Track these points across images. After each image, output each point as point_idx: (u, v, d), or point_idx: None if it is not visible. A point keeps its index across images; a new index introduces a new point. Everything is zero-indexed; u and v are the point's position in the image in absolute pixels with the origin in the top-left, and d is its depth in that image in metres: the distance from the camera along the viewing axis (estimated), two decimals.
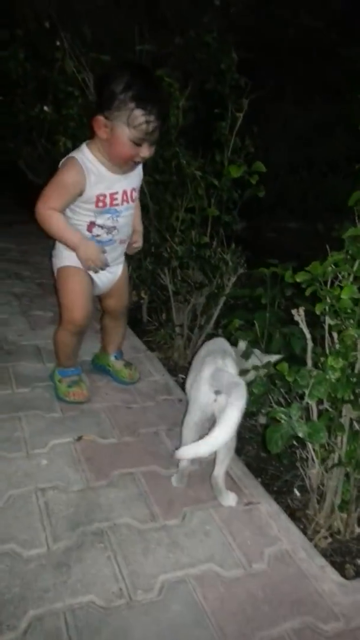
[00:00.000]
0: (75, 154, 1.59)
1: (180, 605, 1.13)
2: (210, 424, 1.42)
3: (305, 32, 4.93)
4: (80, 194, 1.59)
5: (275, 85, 4.59)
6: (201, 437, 1.32)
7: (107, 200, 1.63)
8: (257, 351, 1.71)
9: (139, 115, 1.46)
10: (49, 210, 1.57)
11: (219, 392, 1.38)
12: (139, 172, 1.75)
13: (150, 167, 2.66)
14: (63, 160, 1.61)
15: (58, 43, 2.78)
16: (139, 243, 1.95)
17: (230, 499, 1.46)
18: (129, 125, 1.47)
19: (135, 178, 1.73)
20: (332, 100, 4.93)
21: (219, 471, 1.45)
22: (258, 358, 1.66)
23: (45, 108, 3.14)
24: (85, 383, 1.92)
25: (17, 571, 1.18)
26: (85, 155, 1.57)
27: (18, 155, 3.80)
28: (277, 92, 4.74)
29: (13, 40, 3.38)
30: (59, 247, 1.74)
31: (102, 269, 1.71)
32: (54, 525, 1.31)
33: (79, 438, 1.65)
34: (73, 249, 1.63)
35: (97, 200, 1.62)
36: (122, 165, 1.60)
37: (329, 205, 4.56)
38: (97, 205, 1.63)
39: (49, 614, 1.09)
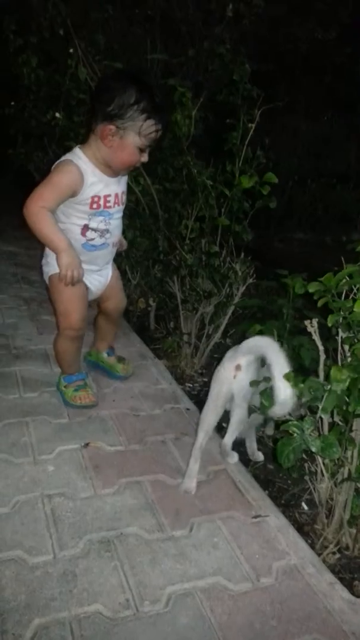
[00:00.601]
0: (70, 156, 1.62)
1: (187, 618, 1.12)
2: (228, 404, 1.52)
3: (317, 46, 4.97)
4: (73, 196, 1.59)
5: (287, 97, 4.62)
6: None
7: (101, 202, 1.65)
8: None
9: (151, 125, 1.55)
10: (41, 208, 1.53)
11: (239, 368, 1.44)
12: (126, 176, 1.82)
13: (160, 176, 2.67)
14: (58, 162, 1.63)
15: (71, 50, 2.80)
16: (124, 245, 2.07)
17: (233, 457, 1.59)
18: (140, 135, 1.55)
19: (124, 182, 1.79)
20: (343, 114, 4.96)
21: (228, 439, 1.52)
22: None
23: (57, 114, 3.15)
24: (92, 387, 1.92)
25: (23, 579, 1.16)
26: (81, 158, 1.60)
27: (29, 160, 3.82)
28: (288, 105, 4.77)
29: (26, 47, 3.41)
30: (50, 253, 1.69)
31: (77, 281, 1.63)
32: (60, 533, 1.30)
33: (86, 445, 1.64)
34: (57, 252, 1.57)
35: (92, 201, 1.63)
36: (122, 170, 1.67)
37: (337, 217, 4.58)
38: (91, 207, 1.64)
39: (54, 623, 1.07)
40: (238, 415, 1.51)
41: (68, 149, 2.76)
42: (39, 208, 1.53)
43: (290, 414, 1.49)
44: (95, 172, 1.62)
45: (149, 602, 1.14)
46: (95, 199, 1.64)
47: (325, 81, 4.95)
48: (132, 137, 1.55)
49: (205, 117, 2.79)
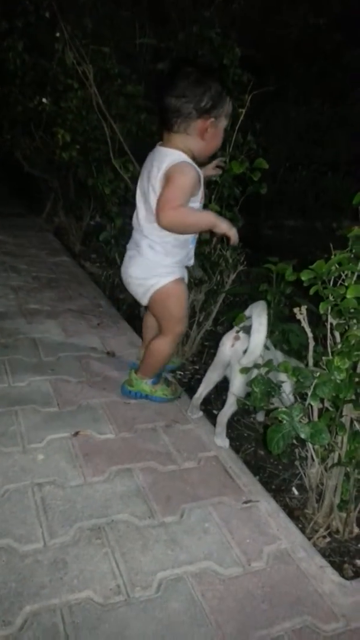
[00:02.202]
0: (182, 158, 1.59)
1: (178, 603, 1.12)
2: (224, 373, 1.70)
3: (308, 32, 4.92)
4: (194, 195, 1.63)
5: (277, 83, 4.58)
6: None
7: (202, 195, 1.70)
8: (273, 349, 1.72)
9: (230, 104, 1.65)
10: (178, 208, 1.57)
11: (237, 338, 1.62)
12: None
13: None
14: (173, 164, 1.58)
15: (58, 34, 2.75)
16: None
17: (220, 441, 1.67)
18: (227, 116, 1.65)
19: None
20: (334, 101, 4.92)
21: (226, 411, 1.66)
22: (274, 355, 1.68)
23: (44, 100, 3.11)
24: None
25: (13, 567, 1.16)
26: (188, 158, 1.61)
27: (15, 146, 3.77)
28: (279, 91, 4.73)
29: (12, 31, 3.34)
30: (162, 262, 1.71)
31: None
32: (51, 521, 1.29)
33: (76, 433, 1.63)
34: (213, 224, 1.63)
35: (202, 196, 1.69)
36: (205, 159, 1.72)
37: (327, 204, 4.57)
38: (200, 201, 1.69)
39: (45, 610, 1.07)
40: (234, 386, 1.63)
41: (55, 135, 2.73)
42: (176, 209, 1.56)
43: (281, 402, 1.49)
44: (197, 168, 1.64)
45: (140, 587, 1.15)
46: (201, 194, 1.69)
47: (316, 68, 4.91)
48: (223, 121, 1.64)
49: None
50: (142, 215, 1.69)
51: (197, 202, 1.66)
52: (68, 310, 2.58)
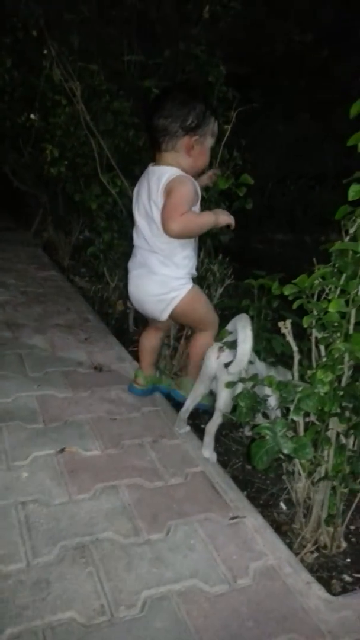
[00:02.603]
0: (178, 172, 1.69)
1: (163, 622, 1.11)
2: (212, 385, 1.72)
3: (295, 48, 5.01)
4: (194, 206, 1.74)
5: (265, 99, 4.65)
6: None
7: (199, 205, 1.79)
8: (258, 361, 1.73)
9: (216, 124, 1.75)
10: (183, 216, 1.65)
11: (222, 350, 1.64)
12: None
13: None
14: (170, 179, 1.67)
15: (45, 51, 2.78)
16: None
17: (207, 452, 1.68)
18: (212, 135, 1.75)
19: None
20: (320, 116, 5.00)
21: (214, 420, 1.67)
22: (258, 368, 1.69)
23: (32, 116, 3.13)
24: None
25: None
26: (183, 172, 1.70)
27: (4, 161, 3.78)
28: (266, 107, 4.79)
29: (0, 48, 3.38)
30: (175, 275, 1.78)
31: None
32: (34, 540, 1.27)
33: (62, 450, 1.62)
34: (216, 222, 1.74)
35: (200, 206, 1.79)
36: (195, 175, 1.78)
37: (316, 218, 4.61)
38: (200, 210, 1.79)
39: (27, 632, 1.05)
40: (221, 398, 1.64)
41: (44, 151, 2.74)
42: (180, 220, 1.64)
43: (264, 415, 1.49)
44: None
45: (124, 607, 1.13)
46: (199, 204, 1.78)
47: (303, 83, 4.99)
48: (209, 140, 1.74)
49: None
50: (148, 234, 1.77)
51: (197, 211, 1.77)
52: (56, 325, 2.57)
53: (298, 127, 5.11)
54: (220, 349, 1.66)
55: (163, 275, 1.78)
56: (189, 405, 1.78)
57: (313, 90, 4.97)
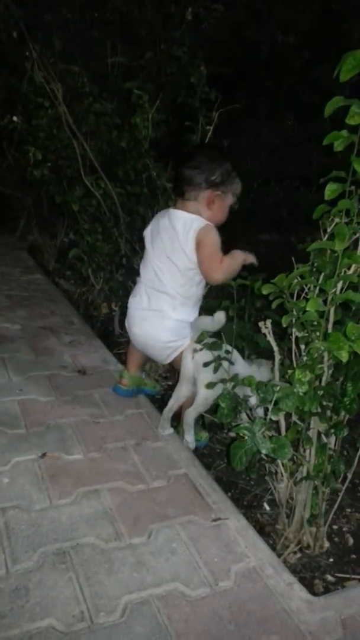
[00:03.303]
0: (203, 221, 1.77)
1: (143, 627, 1.09)
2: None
3: (278, 50, 5.03)
4: None
5: (248, 101, 4.66)
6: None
7: None
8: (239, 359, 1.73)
9: (239, 185, 1.85)
10: (222, 263, 1.75)
11: (196, 351, 1.66)
12: None
13: (122, 179, 2.66)
14: (200, 228, 1.75)
15: (27, 53, 2.76)
16: None
17: (191, 443, 1.72)
18: (234, 194, 1.84)
19: None
20: (304, 117, 5.02)
21: (190, 412, 1.69)
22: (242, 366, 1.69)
23: (15, 118, 3.10)
24: None
25: None
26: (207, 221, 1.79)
27: None
28: (249, 108, 4.81)
29: None
30: (187, 320, 1.82)
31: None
32: (14, 547, 1.26)
33: (43, 455, 1.60)
34: (245, 260, 1.82)
35: None
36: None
37: (301, 218, 4.63)
38: None
39: None
40: (200, 395, 1.66)
41: (27, 154, 2.72)
42: (222, 268, 1.75)
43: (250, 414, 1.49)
44: None
45: (104, 613, 1.12)
46: None
47: (286, 85, 5.02)
48: (229, 198, 1.83)
49: (166, 120, 2.78)
50: (167, 277, 1.81)
51: None
52: (39, 329, 2.55)
53: (282, 128, 5.13)
54: (194, 350, 1.67)
55: (175, 320, 1.81)
56: (172, 405, 1.77)
57: (296, 92, 5.00)
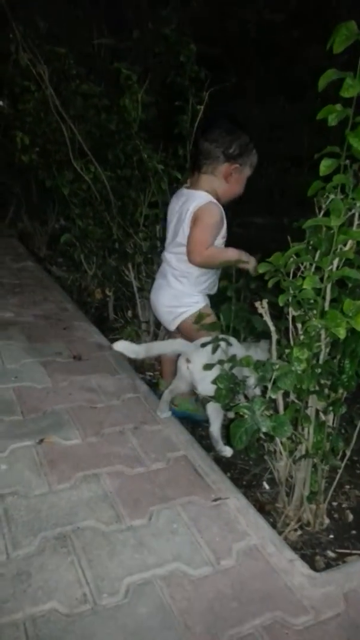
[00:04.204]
0: (208, 198, 1.78)
1: (147, 608, 1.10)
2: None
3: (267, 29, 4.95)
4: (220, 230, 1.82)
5: (237, 81, 4.59)
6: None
7: (225, 230, 1.87)
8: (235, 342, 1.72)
9: (256, 157, 1.86)
10: (207, 250, 1.77)
11: (189, 361, 1.67)
12: None
13: (112, 162, 2.61)
14: (199, 206, 1.77)
15: (11, 35, 2.69)
16: None
17: (226, 451, 1.72)
18: (251, 166, 1.85)
19: None
20: (294, 97, 4.96)
21: (213, 428, 1.69)
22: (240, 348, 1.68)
23: (1, 103, 3.05)
24: None
25: None
26: (213, 199, 1.80)
27: None
28: (239, 89, 4.74)
29: None
30: (188, 292, 1.87)
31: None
32: (14, 532, 1.25)
33: (41, 441, 1.59)
34: (238, 261, 1.80)
35: (225, 232, 1.86)
36: (228, 201, 1.87)
37: (293, 200, 4.60)
38: (223, 237, 1.87)
39: (8, 625, 1.03)
40: (209, 410, 1.67)
41: (14, 138, 2.67)
42: (204, 254, 1.77)
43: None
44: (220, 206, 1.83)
45: (107, 594, 1.12)
46: (225, 230, 1.86)
47: (275, 65, 4.95)
48: (247, 170, 1.85)
49: (156, 102, 2.74)
50: (172, 253, 1.88)
51: (221, 237, 1.85)
52: (33, 316, 2.53)
53: (272, 109, 5.07)
54: (187, 361, 1.68)
55: (177, 290, 1.88)
56: (171, 388, 1.77)
57: (285, 72, 4.93)
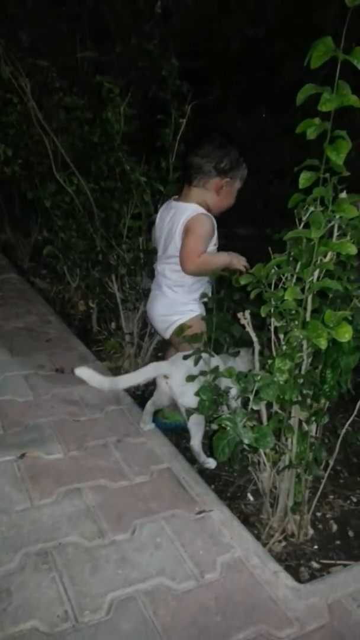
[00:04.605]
0: (198, 210, 1.84)
1: (129, 624, 1.08)
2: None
3: (249, 43, 5.02)
4: (211, 239, 1.87)
5: (220, 95, 4.65)
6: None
7: (217, 238, 1.92)
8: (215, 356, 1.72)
9: (245, 171, 1.93)
10: (200, 257, 1.81)
11: (167, 377, 1.68)
12: None
13: (95, 174, 2.62)
14: (190, 217, 1.83)
15: None
16: None
17: (210, 463, 1.69)
18: (241, 179, 1.92)
19: None
20: (276, 111, 5.03)
21: (193, 442, 1.67)
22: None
23: None
24: None
25: None
26: (203, 210, 1.85)
27: None
28: (222, 102, 4.80)
29: None
30: (182, 300, 1.91)
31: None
32: None
33: (22, 455, 1.57)
34: (229, 265, 1.85)
35: (216, 240, 1.92)
36: (219, 213, 1.94)
37: (276, 211, 4.64)
38: (215, 244, 1.92)
39: None
40: (190, 423, 1.66)
41: None
42: (197, 261, 1.81)
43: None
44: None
45: (89, 611, 1.10)
46: (216, 238, 1.91)
47: (257, 78, 5.02)
48: (237, 183, 1.91)
49: (139, 114, 2.76)
50: (164, 264, 1.94)
51: (212, 245, 1.89)
52: (15, 329, 2.50)
53: (255, 122, 5.12)
54: (165, 377, 1.70)
55: (171, 299, 1.93)
56: (154, 399, 1.76)
57: (268, 86, 5.00)
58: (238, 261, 1.87)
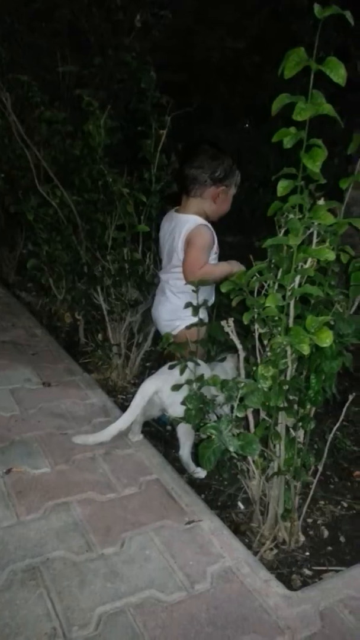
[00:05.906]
0: (197, 221, 1.93)
1: (119, 638, 1.07)
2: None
3: (229, 55, 5.09)
4: (211, 249, 1.95)
5: (203, 106, 4.69)
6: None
7: (217, 247, 2.01)
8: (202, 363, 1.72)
9: (239, 176, 2.03)
10: (202, 269, 1.89)
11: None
12: None
13: (78, 187, 2.62)
14: (189, 229, 1.92)
15: None
16: None
17: (199, 472, 1.70)
18: (236, 185, 2.02)
19: None
20: (258, 121, 5.09)
21: (182, 451, 1.70)
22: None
23: None
24: None
25: None
26: (203, 220, 1.95)
27: None
28: (205, 113, 4.85)
29: None
30: (180, 307, 1.90)
31: None
32: None
33: (8, 471, 1.55)
34: (230, 274, 1.78)
35: (217, 247, 2.00)
36: (216, 219, 2.04)
37: (262, 219, 4.68)
38: (216, 252, 2.01)
39: None
40: (179, 432, 1.69)
41: None
42: (199, 273, 1.88)
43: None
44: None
45: (78, 627, 1.08)
46: (216, 247, 2.00)
47: (239, 90, 5.08)
48: (232, 189, 2.01)
49: (121, 127, 2.77)
50: (168, 272, 2.04)
51: (213, 253, 1.98)
52: (1, 342, 2.49)
53: (238, 132, 5.17)
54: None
55: (174, 304, 2.01)
56: (143, 411, 1.75)
57: (249, 96, 5.06)
58: (239, 269, 1.90)
